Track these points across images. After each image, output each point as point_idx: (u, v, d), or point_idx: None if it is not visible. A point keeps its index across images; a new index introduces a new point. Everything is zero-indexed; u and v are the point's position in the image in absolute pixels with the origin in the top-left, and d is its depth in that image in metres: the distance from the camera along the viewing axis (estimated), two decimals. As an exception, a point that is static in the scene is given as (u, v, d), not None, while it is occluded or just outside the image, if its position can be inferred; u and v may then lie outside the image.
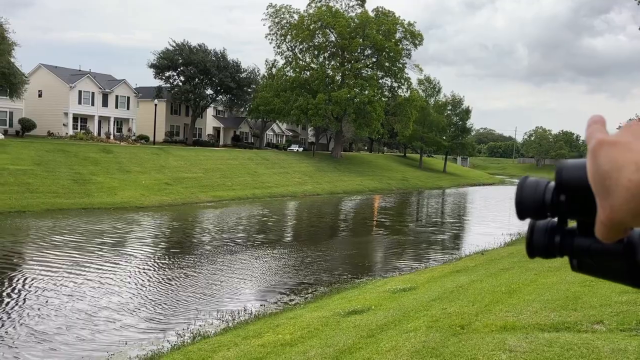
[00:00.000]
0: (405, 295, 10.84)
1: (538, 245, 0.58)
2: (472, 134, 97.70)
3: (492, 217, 35.26)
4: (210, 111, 70.80)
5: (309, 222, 32.02)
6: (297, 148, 71.40)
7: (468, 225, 32.26)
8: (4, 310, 11.36)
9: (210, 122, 71.86)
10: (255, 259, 18.00)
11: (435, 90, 79.63)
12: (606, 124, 0.55)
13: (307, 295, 13.13)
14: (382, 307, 9.74)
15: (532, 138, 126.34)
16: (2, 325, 10.44)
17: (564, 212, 0.55)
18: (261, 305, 12.37)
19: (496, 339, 6.54)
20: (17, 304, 11.85)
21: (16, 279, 14.13)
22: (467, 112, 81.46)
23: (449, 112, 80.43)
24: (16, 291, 12.90)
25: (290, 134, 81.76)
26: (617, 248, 0.52)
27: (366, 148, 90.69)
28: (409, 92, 66.28)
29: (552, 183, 0.56)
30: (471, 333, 6.98)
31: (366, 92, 60.44)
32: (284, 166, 52.00)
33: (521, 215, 0.57)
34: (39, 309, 11.44)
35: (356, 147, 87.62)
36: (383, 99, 63.30)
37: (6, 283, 13.67)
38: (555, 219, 0.57)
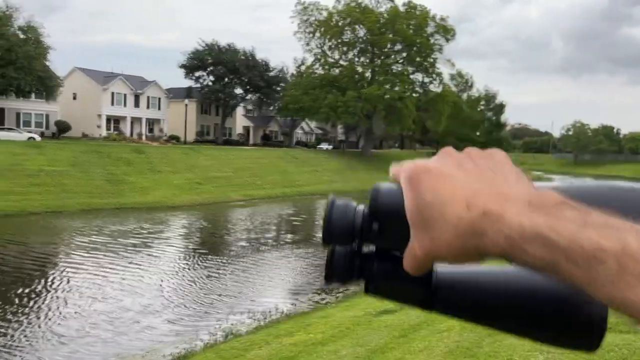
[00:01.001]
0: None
1: (338, 269, 0.54)
2: (507, 129, 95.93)
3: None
4: (239, 110, 71.37)
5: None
6: (326, 146, 71.31)
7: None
8: (45, 309, 11.61)
9: (239, 121, 72.45)
10: (286, 258, 18.00)
11: (467, 85, 78.50)
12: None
13: (338, 295, 13.02)
14: (414, 306, 9.56)
15: (570, 133, 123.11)
16: (52, 323, 10.66)
17: (374, 239, 0.52)
18: (292, 304, 12.32)
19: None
20: (62, 302, 12.10)
21: (56, 279, 14.45)
22: (501, 106, 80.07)
23: (482, 107, 79.14)
24: (59, 290, 13.18)
25: (320, 132, 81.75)
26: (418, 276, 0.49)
27: (397, 145, 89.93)
28: (440, 87, 65.41)
29: (361, 207, 0.52)
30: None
31: (397, 88, 59.89)
32: (314, 164, 52.01)
33: (329, 239, 0.53)
34: (82, 306, 11.65)
35: (387, 145, 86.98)
36: (414, 94, 62.63)
37: (49, 282, 14.00)
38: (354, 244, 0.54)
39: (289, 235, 23.29)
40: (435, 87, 65.19)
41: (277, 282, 14.71)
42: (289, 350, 7.57)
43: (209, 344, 9.35)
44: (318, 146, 71.30)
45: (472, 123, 73.65)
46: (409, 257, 0.45)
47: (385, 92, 58.34)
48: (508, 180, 0.43)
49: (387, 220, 0.49)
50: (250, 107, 73.11)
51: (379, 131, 66.25)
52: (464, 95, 77.32)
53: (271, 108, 69.98)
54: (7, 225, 22.77)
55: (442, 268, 0.55)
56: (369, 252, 0.55)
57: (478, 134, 76.72)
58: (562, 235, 0.36)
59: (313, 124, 79.76)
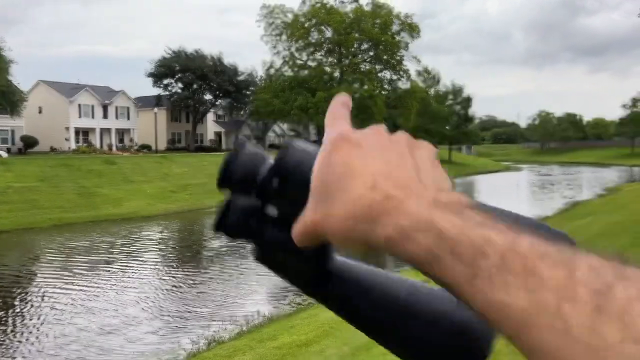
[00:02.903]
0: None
1: (231, 222, 0.51)
2: (476, 122, 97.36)
3: (498, 205, 35.03)
4: (210, 116, 70.84)
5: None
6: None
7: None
8: (16, 327, 11.32)
9: (211, 127, 71.91)
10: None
11: (435, 80, 79.40)
12: (349, 109, 0.48)
13: (319, 294, 13.03)
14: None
15: (536, 122, 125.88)
16: (16, 342, 10.39)
17: (272, 196, 0.47)
18: (275, 307, 12.27)
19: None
20: (29, 319, 11.80)
21: (26, 296, 14.09)
22: (469, 100, 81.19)
23: (450, 101, 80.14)
24: (28, 307, 12.86)
25: (293, 133, 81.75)
26: (309, 252, 0.45)
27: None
28: (408, 83, 66.07)
29: (271, 160, 0.48)
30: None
31: (366, 86, 60.24)
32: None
33: (226, 181, 0.49)
34: (53, 324, 11.38)
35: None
36: (383, 92, 63.10)
37: (17, 301, 13.64)
38: (256, 200, 0.49)
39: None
40: (403, 84, 65.84)
41: (258, 286, 14.63)
42: (273, 354, 7.55)
43: (192, 352, 9.25)
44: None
45: (441, 118, 74.57)
46: (298, 224, 0.42)
47: (355, 91, 58.66)
48: (424, 174, 0.40)
49: (290, 178, 0.44)
50: (220, 112, 72.63)
51: (352, 130, 66.19)
52: (432, 91, 78.21)
53: (242, 112, 69.65)
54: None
55: (348, 260, 0.51)
56: (268, 216, 0.50)
57: (447, 128, 77.66)
58: (455, 227, 0.35)
59: (285, 127, 79.68)
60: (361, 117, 59.71)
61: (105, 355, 9.59)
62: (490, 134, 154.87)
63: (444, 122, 76.01)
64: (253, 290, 14.15)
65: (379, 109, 59.15)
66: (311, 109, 57.73)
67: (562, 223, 19.95)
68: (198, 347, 9.60)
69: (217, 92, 63.46)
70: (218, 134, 73.32)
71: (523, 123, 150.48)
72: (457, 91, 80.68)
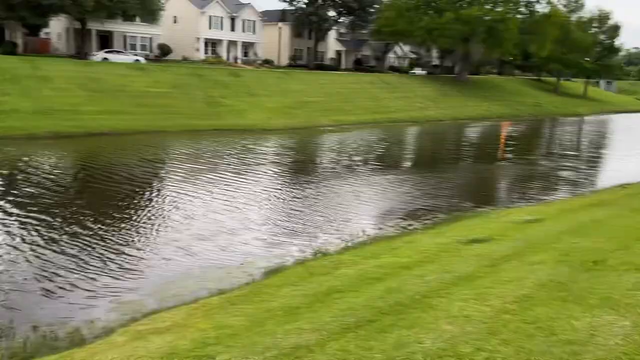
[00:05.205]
0: (532, 227, 10.31)
1: None
2: (621, 54, 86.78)
3: (637, 150, 31.78)
4: (332, 34, 70.11)
5: (429, 149, 31.33)
6: (419, 71, 68.81)
7: (607, 157, 29.45)
8: (149, 219, 12.72)
9: (332, 45, 71.38)
10: (373, 183, 18.12)
11: (578, 4, 70.95)
12: None
13: (425, 221, 13.03)
14: (505, 237, 9.37)
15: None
16: (146, 233, 11.73)
17: None
18: (379, 228, 12.52)
19: (635, 278, 6.01)
20: (159, 214, 13.18)
21: (156, 194, 15.67)
22: (616, 29, 72.10)
23: (594, 29, 71.74)
24: (156, 203, 14.34)
25: (414, 56, 78.73)
26: None
27: (495, 71, 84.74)
28: (548, 7, 59.81)
29: None
30: (606, 270, 6.48)
31: (499, 9, 55.60)
32: (406, 90, 50.63)
33: None
34: (179, 220, 12.64)
35: (484, 70, 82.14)
36: (518, 16, 57.89)
37: (151, 196, 15.24)
38: None
39: (378, 161, 23.29)
40: (542, 8, 59.71)
41: (366, 207, 14.94)
42: (375, 271, 7.79)
43: (299, 260, 9.83)
44: (411, 71, 68.95)
45: (581, 47, 67.04)
46: None
47: (486, 12, 54.40)
48: None
49: None
50: (343, 30, 71.52)
51: (477, 56, 62.45)
52: (574, 17, 70.12)
53: (364, 31, 68.03)
54: (118, 142, 24.72)
55: None
56: None
57: (587, 59, 70.01)
58: None
59: (407, 48, 76.79)
60: (490, 42, 55.72)
61: (223, 252, 10.53)
62: (638, 69, 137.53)
63: (583, 53, 68.52)
64: (360, 210, 14.49)
65: (510, 34, 54.65)
66: (437, 30, 54.76)
67: None
68: (305, 255, 10.18)
69: (341, 9, 62.23)
70: (339, 53, 72.71)
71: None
72: (602, 18, 71.72)
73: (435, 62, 78.78)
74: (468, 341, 4.53)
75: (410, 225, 12.77)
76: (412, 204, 15.05)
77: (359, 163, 22.38)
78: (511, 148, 28.33)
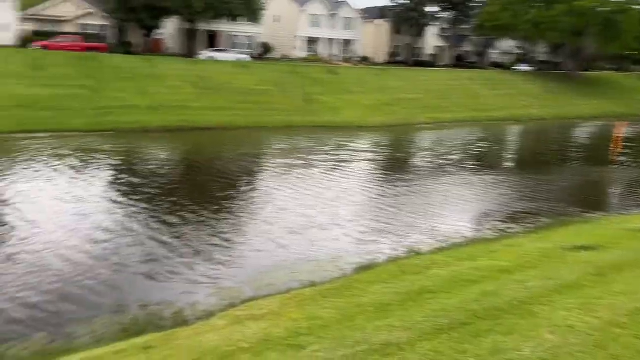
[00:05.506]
0: (649, 236, 9.44)
1: None
2: None
3: None
4: (432, 30, 68.59)
5: (531, 149, 29.70)
6: (524, 67, 65.35)
7: None
8: (243, 212, 13.24)
9: (431, 41, 69.81)
10: (471, 183, 17.51)
11: None
12: None
13: (527, 225, 12.38)
14: (617, 245, 8.67)
15: None
16: (240, 224, 12.21)
17: None
18: (476, 230, 12.10)
19: None
20: (252, 207, 13.67)
21: (251, 187, 16.26)
22: None
23: None
24: (250, 196, 14.88)
25: (518, 52, 74.91)
26: None
27: (610, 67, 78.32)
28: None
29: None
30: None
31: (618, -1, 51.30)
32: (509, 87, 48.33)
33: None
34: (271, 213, 13.03)
35: (598, 66, 76.18)
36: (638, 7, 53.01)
37: (246, 189, 15.84)
38: None
39: (475, 161, 22.48)
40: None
41: (462, 207, 14.49)
42: (470, 274, 7.53)
43: (391, 258, 9.75)
44: (515, 67, 65.68)
45: None
46: None
47: (603, 3, 50.38)
48: None
49: None
50: (443, 26, 69.71)
51: (589, 50, 58.01)
52: None
53: (466, 27, 65.83)
54: (220, 137, 25.97)
55: None
56: None
57: None
58: None
59: (511, 43, 73.22)
60: (606, 34, 51.54)
61: (312, 246, 10.71)
62: None
63: None
64: (456, 210, 14.08)
65: (630, 26, 50.18)
66: (545, 24, 51.61)
67: None
68: (397, 254, 10.09)
69: (443, 4, 60.67)
70: (438, 49, 71.01)
71: None
72: None
73: (542, 57, 74.39)
74: (572, 353, 4.25)
75: (509, 228, 12.21)
76: (512, 207, 14.37)
77: (455, 162, 21.73)
78: (627, 150, 26.06)
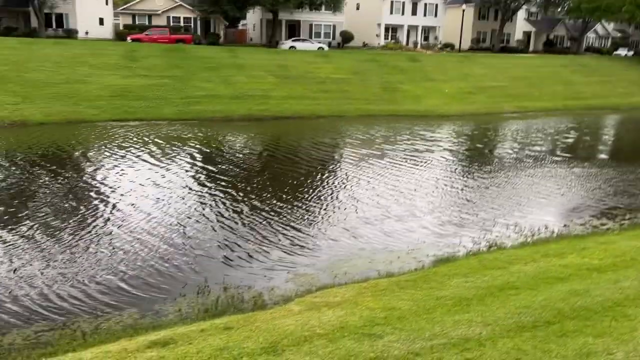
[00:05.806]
0: None
1: None
2: None
3: None
4: (521, 14, 65.24)
5: (630, 140, 27.57)
6: (625, 52, 60.67)
7: None
8: (319, 200, 13.34)
9: (520, 26, 66.47)
10: (559, 175, 16.56)
11: None
12: None
13: (623, 222, 11.55)
14: None
15: None
16: (315, 213, 12.31)
17: None
18: (565, 225, 11.44)
19: None
20: (328, 196, 13.73)
21: (328, 176, 16.33)
22: None
23: None
24: (326, 185, 14.95)
25: (619, 35, 69.60)
26: None
27: None
28: None
29: None
30: None
31: None
32: (606, 74, 45.13)
33: None
34: (346, 203, 13.04)
35: None
36: None
37: (322, 178, 15.95)
38: None
39: (566, 152, 21.22)
40: None
41: (547, 200, 13.74)
42: (557, 271, 7.14)
43: (472, 251, 9.45)
44: (615, 52, 61.14)
45: None
46: None
47: None
48: None
49: None
50: (533, 9, 66.11)
51: None
52: None
53: (559, 9, 62.00)
54: (300, 126, 26.32)
55: None
56: None
57: None
58: None
59: (610, 26, 68.17)
60: None
61: (391, 237, 10.60)
62: None
63: None
64: (541, 204, 13.38)
65: None
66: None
67: None
68: (479, 247, 9.76)
69: (533, -14, 57.54)
70: (527, 34, 67.51)
71: None
72: None
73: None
74: (672, 361, 3.91)
75: (603, 224, 11.44)
76: (605, 202, 13.44)
77: (543, 153, 20.63)
78: None
